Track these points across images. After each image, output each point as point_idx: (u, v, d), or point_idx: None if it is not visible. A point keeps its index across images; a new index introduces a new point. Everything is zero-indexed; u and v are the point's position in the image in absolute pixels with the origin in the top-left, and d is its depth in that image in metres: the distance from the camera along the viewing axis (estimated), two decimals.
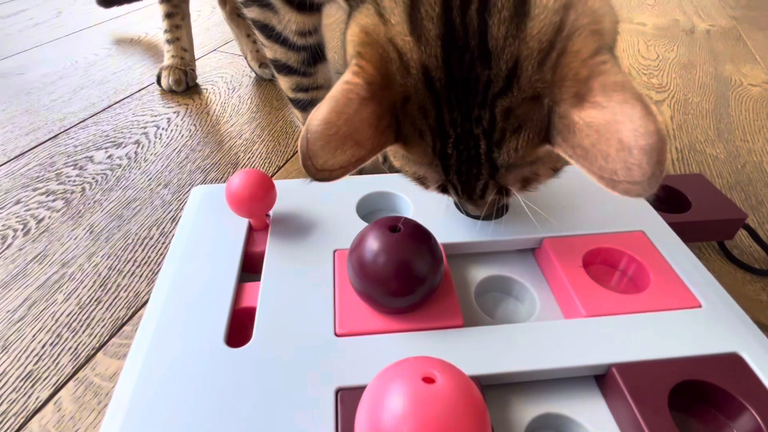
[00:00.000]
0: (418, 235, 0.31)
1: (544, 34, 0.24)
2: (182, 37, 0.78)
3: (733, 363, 0.29)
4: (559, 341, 0.30)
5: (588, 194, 0.42)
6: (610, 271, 0.37)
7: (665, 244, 0.37)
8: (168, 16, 0.77)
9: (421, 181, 0.31)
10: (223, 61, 0.89)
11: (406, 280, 0.30)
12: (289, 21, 0.44)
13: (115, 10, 1.10)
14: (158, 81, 0.78)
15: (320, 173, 0.25)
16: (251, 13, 0.45)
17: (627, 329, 0.31)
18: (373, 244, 0.30)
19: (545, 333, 0.31)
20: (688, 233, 0.41)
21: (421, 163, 0.30)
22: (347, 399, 0.27)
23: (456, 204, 0.39)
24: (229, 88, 0.80)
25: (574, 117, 0.24)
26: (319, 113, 0.25)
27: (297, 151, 0.64)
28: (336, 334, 0.30)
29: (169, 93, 0.78)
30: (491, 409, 0.28)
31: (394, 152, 0.31)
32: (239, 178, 0.36)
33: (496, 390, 0.29)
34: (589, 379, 0.30)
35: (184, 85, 0.78)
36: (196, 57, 0.86)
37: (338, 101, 0.25)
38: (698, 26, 1.06)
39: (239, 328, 0.32)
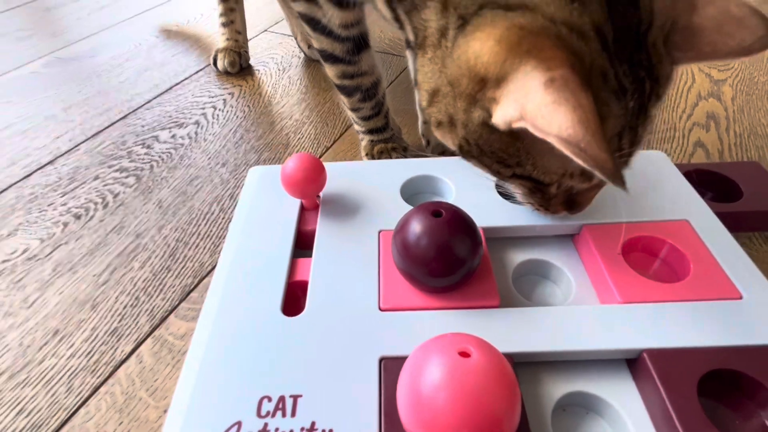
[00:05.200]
0: (459, 220, 0.33)
1: None
2: (236, 20, 0.82)
3: None
4: (593, 324, 0.31)
5: (632, 183, 0.42)
6: (650, 259, 0.38)
7: (710, 234, 0.37)
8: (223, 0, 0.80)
9: (587, 175, 0.31)
10: (274, 42, 0.92)
11: (446, 262, 0.32)
12: (332, 16, 0.46)
13: None
14: (214, 63, 0.82)
15: (612, 162, 0.23)
16: (299, 7, 0.47)
17: (662, 316, 0.31)
18: (416, 227, 0.33)
19: (579, 316, 0.32)
20: (738, 223, 0.40)
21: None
22: (390, 367, 0.29)
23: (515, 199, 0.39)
24: (279, 69, 0.83)
25: (696, 20, 0.28)
26: (567, 117, 0.23)
27: (344, 132, 0.66)
28: (380, 309, 0.33)
29: (224, 74, 0.82)
30: (523, 384, 0.30)
31: (540, 158, 0.30)
32: (293, 162, 0.39)
33: (529, 366, 0.31)
34: (621, 361, 0.31)
35: (238, 67, 0.81)
36: (248, 38, 0.90)
37: (570, 99, 0.23)
38: None
39: (293, 299, 0.36)
